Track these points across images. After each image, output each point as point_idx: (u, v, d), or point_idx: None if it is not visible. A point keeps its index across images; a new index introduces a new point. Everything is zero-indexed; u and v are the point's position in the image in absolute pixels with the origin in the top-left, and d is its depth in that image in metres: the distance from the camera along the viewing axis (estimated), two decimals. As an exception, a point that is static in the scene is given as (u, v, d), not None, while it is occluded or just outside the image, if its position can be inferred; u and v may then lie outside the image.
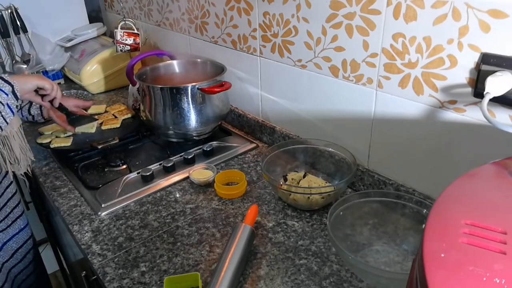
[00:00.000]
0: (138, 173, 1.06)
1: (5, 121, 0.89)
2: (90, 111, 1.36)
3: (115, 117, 1.33)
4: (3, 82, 0.92)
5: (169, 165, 1.07)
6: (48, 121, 1.26)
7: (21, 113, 1.20)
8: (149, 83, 1.18)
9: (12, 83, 0.92)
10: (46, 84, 1.02)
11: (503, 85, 0.63)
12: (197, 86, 1.11)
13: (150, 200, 0.98)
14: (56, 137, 1.21)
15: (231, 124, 1.35)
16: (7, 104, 0.90)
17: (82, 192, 1.02)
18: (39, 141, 1.19)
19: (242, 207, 0.94)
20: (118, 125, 1.28)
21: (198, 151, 1.16)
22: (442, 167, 0.80)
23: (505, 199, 0.41)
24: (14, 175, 1.03)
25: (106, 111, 1.39)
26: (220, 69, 1.20)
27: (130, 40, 1.48)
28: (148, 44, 1.66)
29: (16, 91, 0.93)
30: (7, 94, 0.91)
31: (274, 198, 0.97)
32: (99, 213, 0.94)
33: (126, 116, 1.33)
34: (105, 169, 1.12)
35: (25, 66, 1.72)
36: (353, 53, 0.88)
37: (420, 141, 0.82)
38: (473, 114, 0.72)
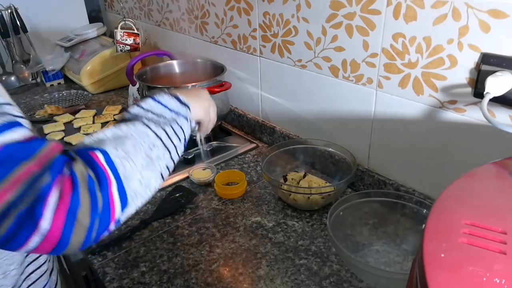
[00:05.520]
0: (138, 173, 1.06)
1: (178, 155, 0.59)
2: (78, 115, 1.37)
3: (115, 120, 1.33)
4: (180, 104, 0.63)
5: (169, 165, 1.07)
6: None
7: None
8: (149, 83, 1.18)
9: (189, 106, 0.65)
10: (203, 126, 0.77)
11: (503, 85, 0.63)
12: (197, 86, 1.11)
13: (150, 200, 0.98)
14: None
15: (231, 124, 1.35)
16: (184, 134, 0.61)
17: (82, 192, 1.02)
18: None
19: (242, 207, 0.94)
20: None
21: (198, 151, 1.16)
22: (442, 167, 0.80)
23: (505, 199, 0.41)
24: None
25: (105, 114, 1.39)
26: (220, 69, 1.20)
27: (130, 40, 1.48)
28: (148, 44, 1.66)
29: (191, 118, 0.65)
30: (186, 120, 0.62)
31: (274, 198, 0.97)
32: (99, 213, 0.94)
33: None
34: (105, 169, 1.12)
35: (25, 66, 1.73)
36: (353, 53, 0.88)
37: (420, 141, 0.82)
38: (473, 114, 0.72)
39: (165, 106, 0.61)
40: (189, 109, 0.64)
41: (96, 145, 0.48)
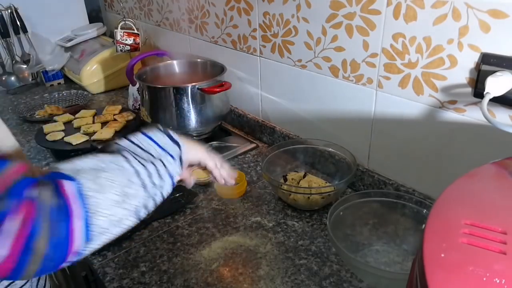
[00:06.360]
0: (138, 173, 1.06)
1: (162, 195, 0.58)
2: (78, 115, 1.36)
3: (115, 120, 1.33)
4: (171, 141, 0.62)
5: (169, 165, 1.07)
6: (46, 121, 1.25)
7: None
8: (149, 83, 1.18)
9: (180, 144, 0.63)
10: (210, 163, 0.74)
11: (503, 85, 0.63)
12: (197, 86, 1.11)
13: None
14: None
15: (231, 124, 1.35)
16: (169, 174, 0.58)
17: (82, 192, 1.02)
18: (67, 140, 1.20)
19: (242, 207, 0.94)
20: (120, 128, 1.27)
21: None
22: (442, 167, 0.80)
23: (505, 199, 0.41)
24: None
25: (105, 113, 1.39)
26: (220, 69, 1.20)
27: (130, 40, 1.48)
28: (148, 44, 1.66)
29: (182, 157, 0.63)
30: (174, 159, 0.60)
31: (274, 198, 0.97)
32: (99, 213, 0.94)
33: (127, 119, 1.32)
34: (105, 169, 1.12)
35: (25, 66, 1.73)
36: (353, 53, 0.88)
37: (420, 141, 0.82)
38: (473, 114, 0.72)
39: (155, 142, 0.60)
40: (180, 148, 0.62)
41: (72, 174, 0.47)
